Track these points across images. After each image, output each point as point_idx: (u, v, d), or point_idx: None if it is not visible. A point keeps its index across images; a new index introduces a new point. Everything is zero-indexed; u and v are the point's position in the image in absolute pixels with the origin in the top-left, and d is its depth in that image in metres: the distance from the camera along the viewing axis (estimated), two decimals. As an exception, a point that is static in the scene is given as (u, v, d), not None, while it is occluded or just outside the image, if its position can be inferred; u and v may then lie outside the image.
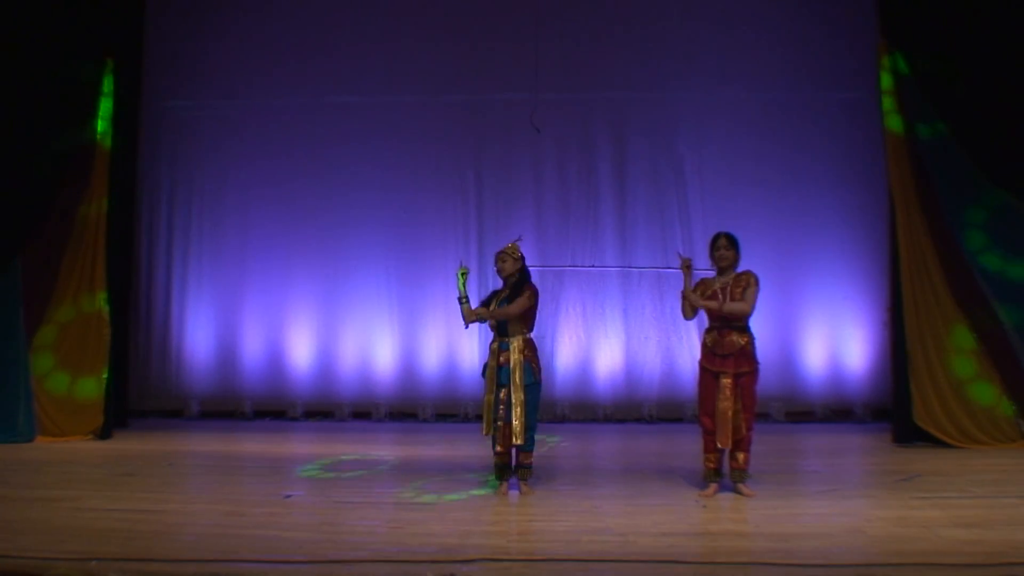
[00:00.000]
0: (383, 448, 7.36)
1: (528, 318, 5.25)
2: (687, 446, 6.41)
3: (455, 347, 9.08)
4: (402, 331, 9.18)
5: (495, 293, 5.37)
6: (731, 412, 5.01)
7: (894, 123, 7.22)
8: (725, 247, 5.20)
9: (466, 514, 4.74)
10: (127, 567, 3.67)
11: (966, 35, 7.08)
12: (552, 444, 6.29)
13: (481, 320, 5.28)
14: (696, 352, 5.36)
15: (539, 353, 5.35)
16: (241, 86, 9.39)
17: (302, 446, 7.69)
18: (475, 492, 5.29)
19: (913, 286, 7.03)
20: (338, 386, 9.18)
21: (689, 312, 5.26)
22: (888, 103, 7.25)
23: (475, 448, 6.62)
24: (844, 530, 4.31)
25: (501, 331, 5.21)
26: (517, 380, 5.08)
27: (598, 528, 4.37)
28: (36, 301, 7.54)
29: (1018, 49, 6.99)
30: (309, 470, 5.38)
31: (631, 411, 8.90)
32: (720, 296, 5.14)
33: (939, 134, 7.10)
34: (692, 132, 9.04)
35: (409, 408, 9.12)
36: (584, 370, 9.01)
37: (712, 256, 5.25)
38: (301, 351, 9.24)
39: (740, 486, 5.11)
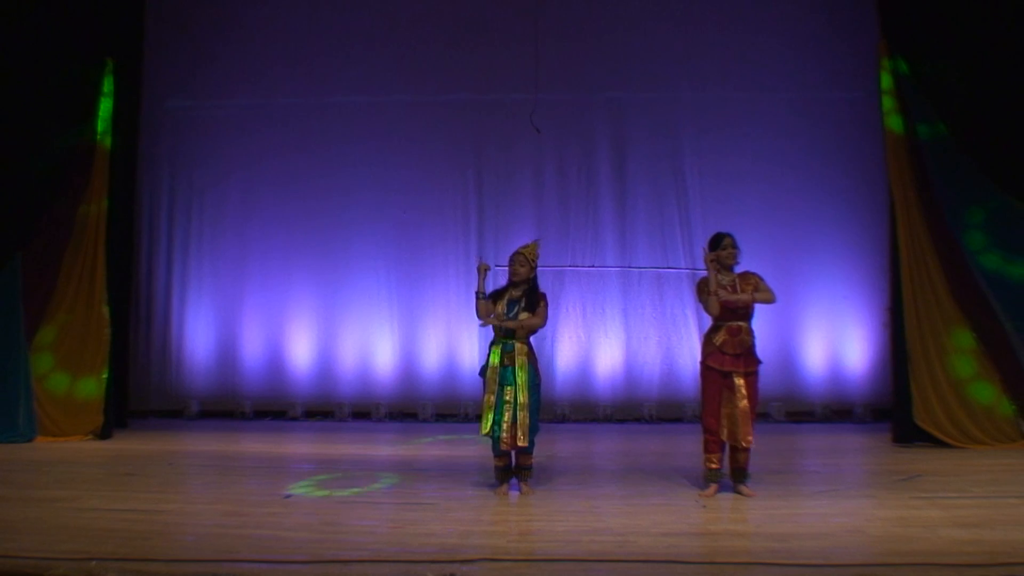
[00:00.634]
0: (383, 448, 7.36)
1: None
2: (687, 446, 6.41)
3: (455, 347, 9.09)
4: (402, 331, 9.18)
5: (501, 292, 5.34)
6: (749, 410, 5.02)
7: (894, 123, 7.22)
8: (733, 245, 5.21)
9: (466, 514, 4.73)
10: (127, 567, 3.67)
11: (966, 35, 7.08)
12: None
13: (505, 327, 5.17)
14: (696, 352, 5.34)
15: (539, 354, 5.37)
16: (241, 86, 9.39)
17: (302, 446, 7.68)
18: (475, 492, 5.29)
19: (913, 286, 7.03)
20: (338, 386, 9.19)
21: (716, 307, 5.10)
22: (888, 103, 7.25)
23: (475, 448, 6.62)
24: (844, 530, 4.30)
25: (506, 333, 5.20)
26: (522, 381, 5.09)
27: (598, 528, 4.36)
28: (36, 301, 7.55)
29: (1018, 49, 6.99)
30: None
31: (631, 411, 8.90)
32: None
33: (939, 134, 7.10)
34: (692, 132, 9.05)
35: (409, 408, 9.13)
36: (584, 370, 9.02)
37: (719, 255, 5.19)
38: (301, 351, 9.25)
39: (740, 486, 5.11)
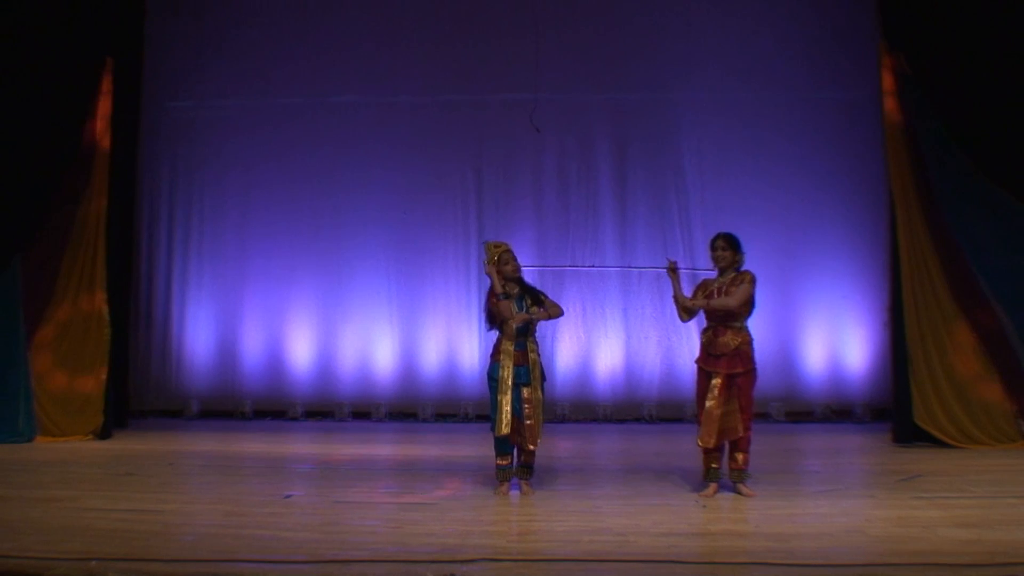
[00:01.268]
0: (383, 448, 7.36)
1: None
2: (687, 446, 6.39)
3: (455, 347, 9.09)
4: (402, 331, 9.18)
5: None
6: (718, 412, 5.01)
7: (894, 123, 7.21)
8: (722, 248, 5.20)
9: (466, 514, 4.73)
10: (127, 567, 3.66)
11: (966, 35, 7.08)
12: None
13: (525, 322, 5.14)
14: (696, 352, 5.35)
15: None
16: (241, 86, 9.40)
17: (302, 446, 7.68)
18: (475, 492, 5.29)
19: (913, 286, 7.03)
20: (338, 386, 9.19)
21: (684, 315, 5.28)
22: (888, 103, 7.25)
23: (475, 448, 6.61)
24: (844, 530, 4.30)
25: (521, 332, 5.18)
26: (536, 377, 5.13)
27: (598, 528, 4.36)
28: (36, 301, 7.55)
29: (1018, 49, 6.99)
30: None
31: (631, 411, 8.90)
32: (716, 295, 5.15)
33: (939, 134, 7.10)
34: (692, 132, 9.05)
35: (409, 408, 9.13)
36: (584, 370, 9.02)
37: (711, 257, 5.25)
38: (301, 351, 9.25)
39: (740, 486, 5.11)
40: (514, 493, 5.16)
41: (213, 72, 9.40)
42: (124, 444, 7.39)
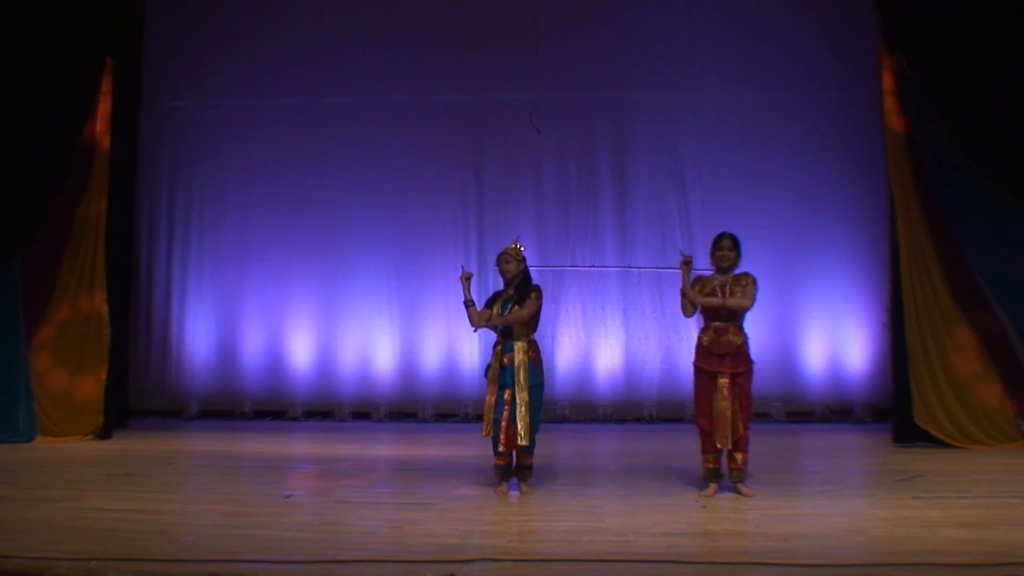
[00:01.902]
0: (383, 448, 7.36)
1: (534, 320, 5.25)
2: (687, 446, 6.40)
3: (455, 347, 9.08)
4: (402, 331, 9.18)
5: (498, 294, 5.35)
6: (730, 412, 5.02)
7: (894, 123, 7.21)
8: (728, 248, 5.20)
9: (466, 514, 4.73)
10: (127, 567, 3.66)
11: (966, 35, 7.08)
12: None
13: (492, 326, 5.23)
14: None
15: (541, 354, 5.34)
16: (241, 86, 9.39)
17: (302, 446, 7.68)
18: (475, 492, 5.29)
19: (913, 286, 7.03)
20: (338, 386, 9.18)
21: (689, 309, 5.27)
22: (888, 103, 7.25)
23: (475, 448, 6.61)
24: (844, 530, 4.30)
25: (506, 333, 5.20)
26: (521, 381, 5.08)
27: (598, 528, 4.36)
28: (36, 301, 7.54)
29: (1018, 49, 6.98)
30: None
31: (631, 411, 8.90)
32: (719, 294, 5.15)
33: (939, 134, 7.09)
34: (692, 132, 9.04)
35: (409, 408, 9.13)
36: (584, 370, 9.02)
37: (714, 255, 5.25)
38: (301, 351, 9.25)
39: (740, 486, 5.11)
40: (514, 493, 5.17)
41: (213, 72, 9.40)
42: (124, 444, 7.39)
